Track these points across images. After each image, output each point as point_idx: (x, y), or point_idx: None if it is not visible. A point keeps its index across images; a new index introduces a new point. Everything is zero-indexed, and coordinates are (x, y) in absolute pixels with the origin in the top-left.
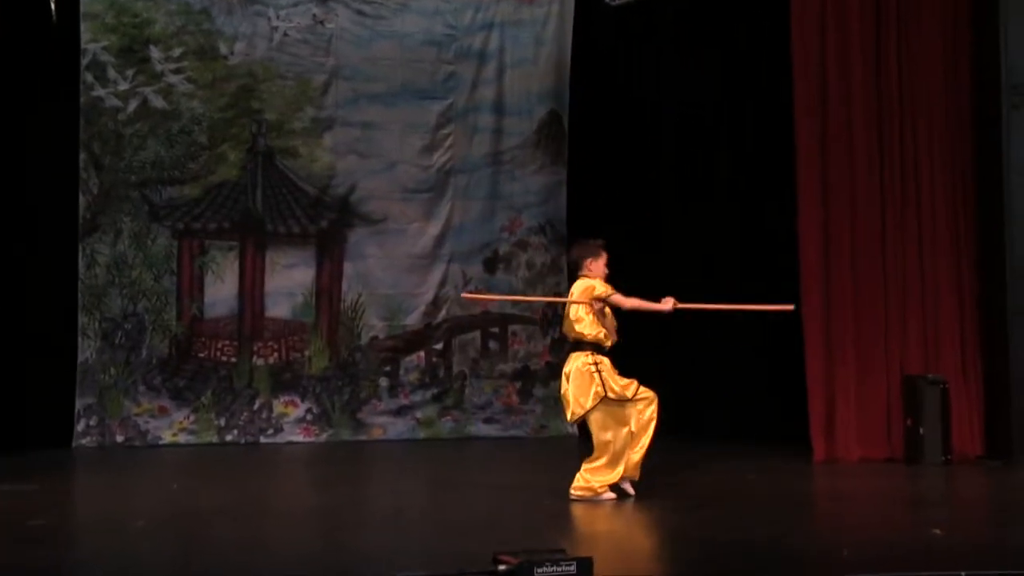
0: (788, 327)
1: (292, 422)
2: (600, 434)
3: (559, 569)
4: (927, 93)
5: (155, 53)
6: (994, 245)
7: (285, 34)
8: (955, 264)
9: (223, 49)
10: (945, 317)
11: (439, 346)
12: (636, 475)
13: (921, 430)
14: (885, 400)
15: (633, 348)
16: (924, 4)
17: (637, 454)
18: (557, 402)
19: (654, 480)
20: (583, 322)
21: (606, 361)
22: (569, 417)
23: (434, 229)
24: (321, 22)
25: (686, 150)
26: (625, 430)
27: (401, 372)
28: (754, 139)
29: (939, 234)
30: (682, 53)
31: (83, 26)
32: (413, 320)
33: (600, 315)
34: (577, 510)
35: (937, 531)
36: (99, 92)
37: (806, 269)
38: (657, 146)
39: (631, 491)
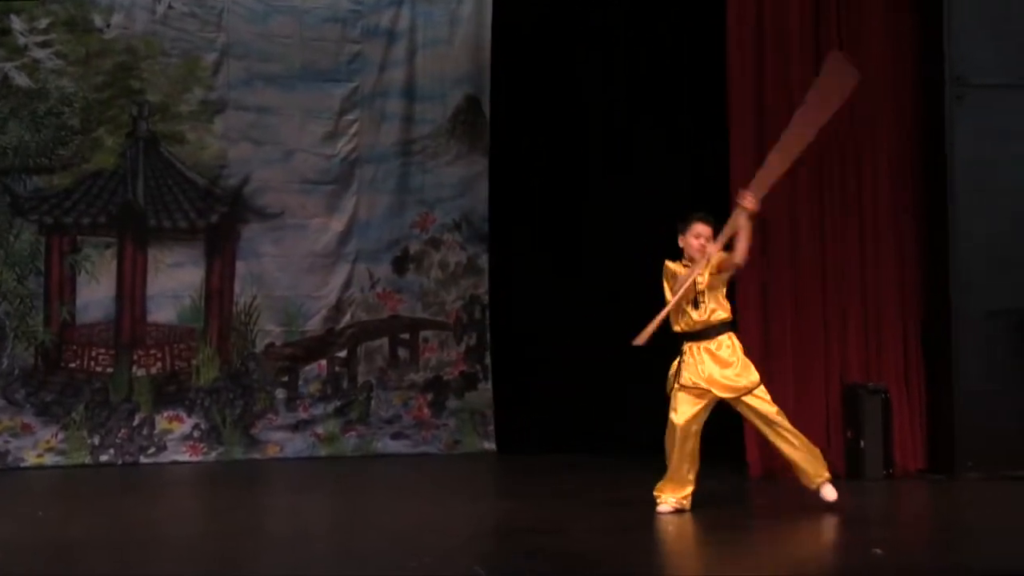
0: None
1: (177, 439)
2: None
3: None
4: (870, 84)
5: (17, 24)
6: (938, 246)
7: (170, 6)
8: (898, 267)
9: (98, 21)
10: (887, 322)
11: (342, 354)
12: None
13: (862, 443)
14: (824, 411)
15: (551, 361)
16: None
17: None
18: (472, 415)
19: (579, 501)
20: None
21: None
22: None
23: (337, 225)
24: None
25: (617, 139)
26: None
27: (300, 383)
28: (689, 127)
29: (881, 236)
30: (613, 34)
31: None
32: (314, 325)
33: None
34: (493, 533)
35: (878, 551)
36: None
37: (743, 271)
38: (586, 135)
39: None
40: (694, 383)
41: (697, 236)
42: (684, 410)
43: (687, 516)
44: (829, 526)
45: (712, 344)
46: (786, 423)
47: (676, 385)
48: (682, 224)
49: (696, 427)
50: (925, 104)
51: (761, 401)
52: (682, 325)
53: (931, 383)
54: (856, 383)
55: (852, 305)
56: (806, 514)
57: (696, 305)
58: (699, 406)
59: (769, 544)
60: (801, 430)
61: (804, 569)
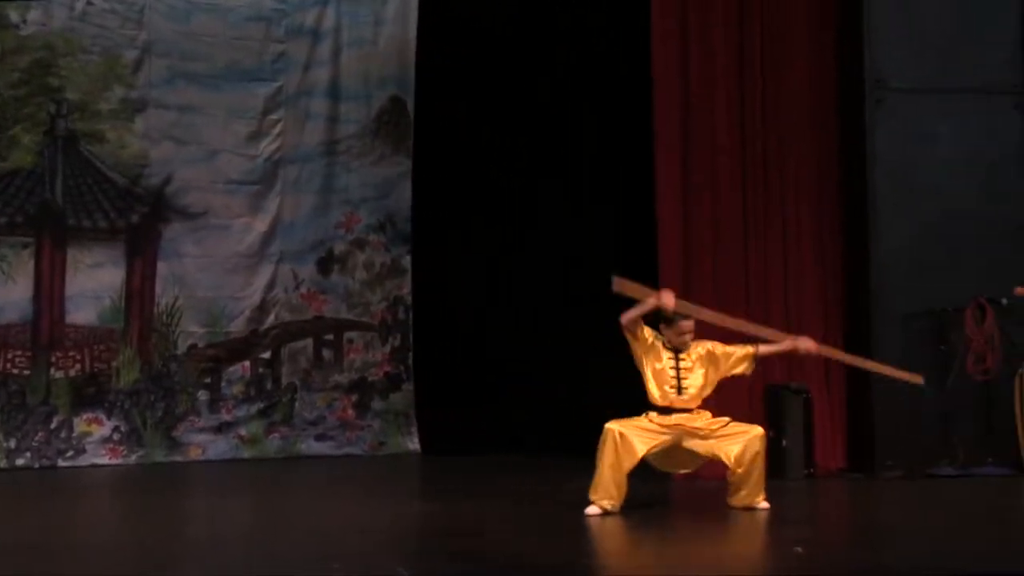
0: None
1: (96, 442)
2: None
3: None
4: (791, 85)
5: None
6: (859, 249)
7: (89, 2)
8: (819, 269)
9: (14, 17)
10: (809, 323)
11: (266, 355)
12: None
13: (784, 442)
14: (747, 411)
15: (475, 362)
16: None
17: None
18: (397, 417)
19: (500, 502)
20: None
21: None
22: None
23: (261, 225)
24: None
25: (543, 138)
26: None
27: (223, 384)
28: (616, 129)
29: (803, 238)
30: (540, 34)
31: None
32: (237, 326)
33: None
34: (416, 534)
35: (799, 550)
36: None
37: (666, 269)
38: (512, 135)
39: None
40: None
41: (681, 333)
42: (642, 438)
43: (611, 517)
44: (752, 526)
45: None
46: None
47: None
48: (666, 320)
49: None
50: (846, 107)
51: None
52: (659, 403)
53: (851, 384)
54: (778, 383)
55: (774, 305)
56: (729, 514)
57: (679, 391)
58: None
59: (693, 544)
60: None
61: (727, 569)
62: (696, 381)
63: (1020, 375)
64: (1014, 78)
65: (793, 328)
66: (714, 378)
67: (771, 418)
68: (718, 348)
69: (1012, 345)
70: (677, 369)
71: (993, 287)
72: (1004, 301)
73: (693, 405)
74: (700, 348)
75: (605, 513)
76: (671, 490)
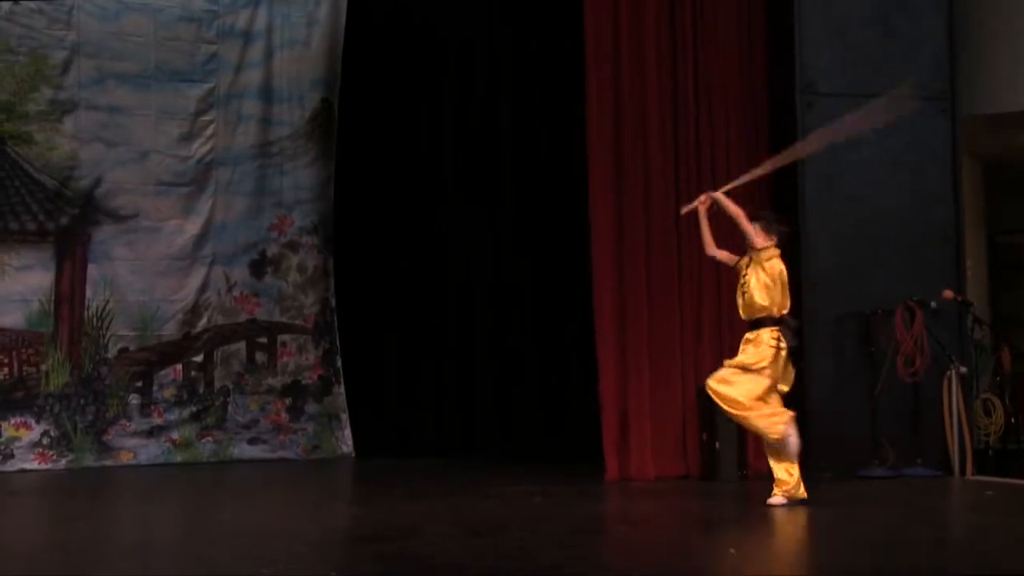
0: (581, 332)
1: (25, 447)
2: None
3: None
4: (723, 89)
5: None
6: (789, 251)
7: (16, 2)
8: None
9: None
10: (740, 325)
11: (199, 358)
12: None
13: (717, 444)
14: (680, 414)
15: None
16: None
17: None
18: (331, 420)
19: (433, 505)
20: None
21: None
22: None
23: (193, 227)
24: None
25: (469, 143)
26: None
27: (155, 388)
28: (543, 132)
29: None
30: (466, 36)
31: None
32: (169, 330)
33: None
34: (349, 537)
35: (732, 551)
36: None
37: (599, 272)
38: (438, 138)
39: None
40: None
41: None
42: None
43: (543, 518)
44: (685, 527)
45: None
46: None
47: None
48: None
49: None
50: (776, 111)
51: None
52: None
53: None
54: None
55: (707, 308)
56: (662, 516)
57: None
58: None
59: (624, 545)
60: (658, 434)
61: (657, 570)
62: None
63: (948, 377)
64: (940, 84)
65: (725, 328)
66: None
67: (704, 421)
68: None
69: (940, 347)
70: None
71: (920, 289)
72: (933, 304)
73: (745, 316)
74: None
75: None
76: (603, 491)
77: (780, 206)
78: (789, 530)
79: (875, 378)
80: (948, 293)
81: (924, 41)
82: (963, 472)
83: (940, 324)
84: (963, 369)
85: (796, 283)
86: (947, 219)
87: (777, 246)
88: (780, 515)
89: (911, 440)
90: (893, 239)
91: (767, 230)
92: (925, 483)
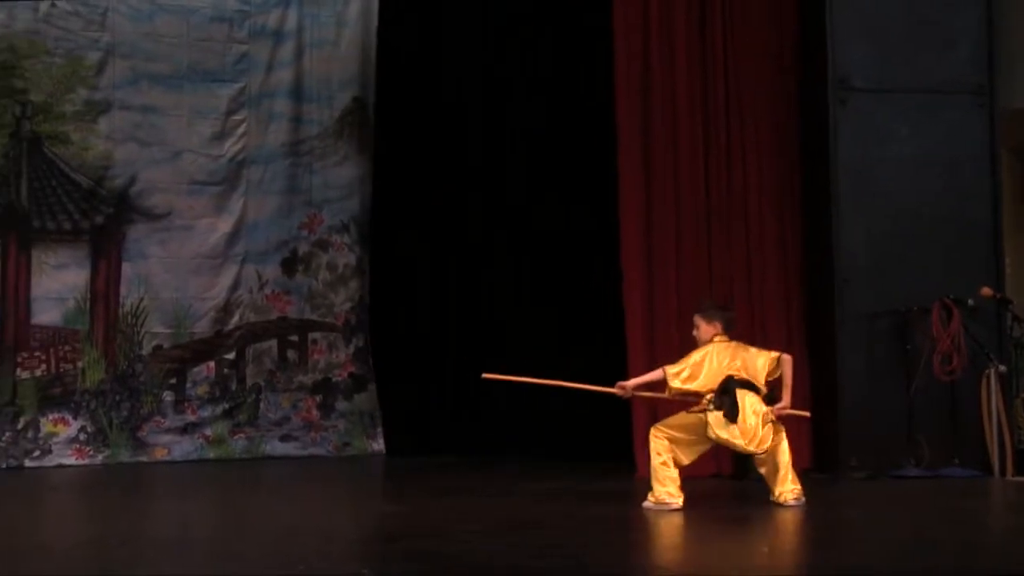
0: (612, 332)
1: (63, 443)
2: None
3: None
4: (754, 87)
5: None
6: (822, 249)
7: (53, 4)
8: (782, 270)
9: None
10: (772, 324)
11: (231, 356)
12: None
13: None
14: None
15: (440, 363)
16: None
17: None
18: (362, 417)
19: (464, 503)
20: None
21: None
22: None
23: (225, 226)
24: None
25: (501, 142)
26: None
27: (188, 385)
28: (574, 131)
29: (766, 238)
30: (498, 38)
31: None
32: (202, 327)
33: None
34: (380, 535)
35: (765, 549)
36: None
37: (628, 273)
38: (468, 138)
39: None
40: None
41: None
42: None
43: (573, 516)
44: (716, 526)
45: None
46: None
47: None
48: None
49: None
50: (808, 108)
51: None
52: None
53: (816, 383)
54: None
55: (738, 308)
56: (691, 513)
57: None
58: None
59: (654, 543)
60: None
61: (688, 568)
62: None
63: (986, 376)
64: (975, 77)
65: (757, 328)
66: None
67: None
68: None
69: (978, 346)
70: None
71: (957, 287)
72: (970, 302)
73: None
74: None
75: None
76: (630, 490)
77: (813, 203)
78: (817, 528)
79: (910, 376)
80: (986, 290)
81: (961, 33)
82: (1003, 472)
83: (978, 322)
84: (1002, 367)
85: (829, 282)
86: (985, 215)
87: (724, 331)
88: (810, 513)
89: (948, 440)
90: (929, 236)
91: (708, 319)
92: (963, 483)
